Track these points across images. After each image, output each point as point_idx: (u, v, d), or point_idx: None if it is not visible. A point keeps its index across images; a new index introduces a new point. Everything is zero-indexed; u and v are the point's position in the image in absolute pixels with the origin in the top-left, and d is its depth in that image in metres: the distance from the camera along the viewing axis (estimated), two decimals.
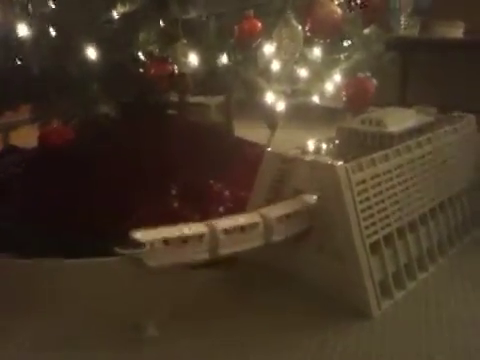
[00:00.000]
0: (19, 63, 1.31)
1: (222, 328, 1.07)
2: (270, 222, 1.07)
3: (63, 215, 1.44)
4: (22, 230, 1.42)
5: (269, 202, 1.20)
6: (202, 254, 1.00)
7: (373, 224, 1.15)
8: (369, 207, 1.14)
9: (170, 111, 1.77)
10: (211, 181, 1.59)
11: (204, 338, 1.04)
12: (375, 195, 1.16)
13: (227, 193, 1.57)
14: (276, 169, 1.18)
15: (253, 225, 1.05)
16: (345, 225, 1.10)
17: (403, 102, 2.67)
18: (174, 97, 1.68)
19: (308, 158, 1.15)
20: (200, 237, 0.98)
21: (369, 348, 1.01)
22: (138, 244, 0.91)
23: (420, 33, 2.71)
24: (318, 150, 1.28)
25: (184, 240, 0.96)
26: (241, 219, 1.05)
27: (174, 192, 1.57)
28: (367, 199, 1.14)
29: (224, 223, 1.02)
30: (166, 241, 0.94)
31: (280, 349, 1.02)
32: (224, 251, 1.02)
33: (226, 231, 1.01)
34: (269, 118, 1.60)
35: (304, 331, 1.06)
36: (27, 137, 1.92)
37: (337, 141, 1.33)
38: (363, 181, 1.14)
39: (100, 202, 1.48)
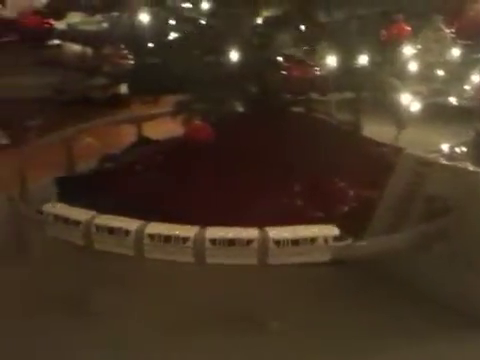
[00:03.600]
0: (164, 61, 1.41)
1: (339, 325, 1.11)
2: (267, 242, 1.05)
3: (190, 209, 1.52)
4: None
5: (401, 204, 1.19)
6: None
7: None
8: None
9: (295, 108, 1.80)
10: (336, 180, 1.60)
11: (322, 333, 1.09)
12: None
13: (352, 192, 1.57)
14: (412, 171, 1.17)
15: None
16: None
17: None
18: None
19: (449, 163, 1.13)
20: None
21: None
22: None
23: None
24: (454, 154, 1.25)
25: None
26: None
27: (298, 189, 1.59)
28: None
29: None
30: None
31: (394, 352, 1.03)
32: None
33: None
34: (398, 118, 1.58)
35: (415, 338, 1.07)
36: (156, 129, 2.06)
37: (474, 145, 1.29)
38: None
39: (226, 197, 1.54)
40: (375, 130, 1.79)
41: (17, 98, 2.63)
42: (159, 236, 1.11)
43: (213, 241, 1.08)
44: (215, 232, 1.10)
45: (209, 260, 1.08)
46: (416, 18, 1.20)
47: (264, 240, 1.06)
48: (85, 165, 1.83)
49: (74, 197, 1.47)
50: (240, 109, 1.41)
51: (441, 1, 1.23)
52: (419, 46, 1.20)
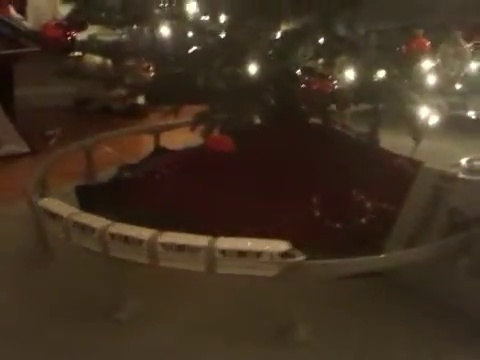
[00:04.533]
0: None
1: (367, 338, 1.11)
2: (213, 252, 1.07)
3: (207, 218, 1.52)
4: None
5: (420, 218, 1.19)
6: None
7: None
8: None
9: (312, 120, 1.81)
10: (354, 192, 1.60)
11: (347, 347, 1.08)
12: None
13: (370, 205, 1.57)
14: (432, 185, 1.17)
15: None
16: None
17: None
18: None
19: (468, 177, 1.13)
20: None
21: None
22: None
23: None
24: (474, 168, 1.24)
25: None
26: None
27: (316, 201, 1.59)
28: None
29: None
30: None
31: None
32: None
33: None
34: (414, 130, 1.58)
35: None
36: (173, 139, 2.09)
37: None
38: None
39: (243, 207, 1.55)
40: (393, 143, 1.79)
41: (38, 107, 2.68)
42: (119, 236, 1.14)
43: (164, 245, 1.10)
44: (167, 237, 1.13)
45: (162, 263, 1.11)
46: (435, 33, 1.21)
47: (211, 249, 1.08)
48: (104, 174, 1.85)
49: (94, 205, 1.49)
50: (259, 121, 1.42)
51: (460, 16, 1.24)
52: (438, 60, 1.21)
